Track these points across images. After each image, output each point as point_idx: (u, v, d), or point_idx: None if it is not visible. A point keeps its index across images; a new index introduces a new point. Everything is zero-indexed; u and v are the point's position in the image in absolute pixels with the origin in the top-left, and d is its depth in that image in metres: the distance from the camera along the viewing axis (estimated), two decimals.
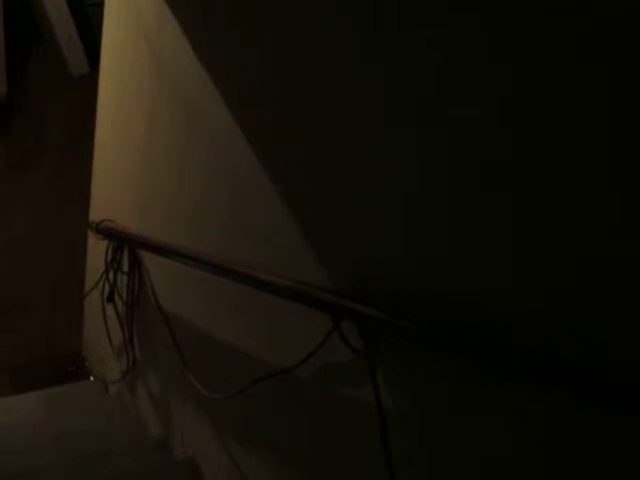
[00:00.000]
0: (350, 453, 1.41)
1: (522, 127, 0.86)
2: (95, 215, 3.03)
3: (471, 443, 1.07)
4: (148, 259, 2.46)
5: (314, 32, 1.26)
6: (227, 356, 1.94)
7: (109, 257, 2.72)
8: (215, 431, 2.18)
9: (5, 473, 2.51)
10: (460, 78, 0.93)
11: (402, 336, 1.13)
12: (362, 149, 1.17)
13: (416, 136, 1.03)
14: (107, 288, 2.81)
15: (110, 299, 2.82)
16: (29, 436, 2.82)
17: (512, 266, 0.92)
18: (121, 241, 2.59)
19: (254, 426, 1.93)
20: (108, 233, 2.66)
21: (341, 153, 1.24)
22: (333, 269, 1.33)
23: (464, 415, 1.07)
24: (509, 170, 0.89)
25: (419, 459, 1.21)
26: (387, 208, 1.14)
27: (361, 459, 1.38)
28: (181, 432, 2.49)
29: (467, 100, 0.93)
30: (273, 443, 1.81)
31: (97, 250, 2.91)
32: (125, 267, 2.64)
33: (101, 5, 2.70)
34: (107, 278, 2.80)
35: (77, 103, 4.45)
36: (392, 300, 1.17)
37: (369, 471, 1.34)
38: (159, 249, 2.17)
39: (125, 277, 2.66)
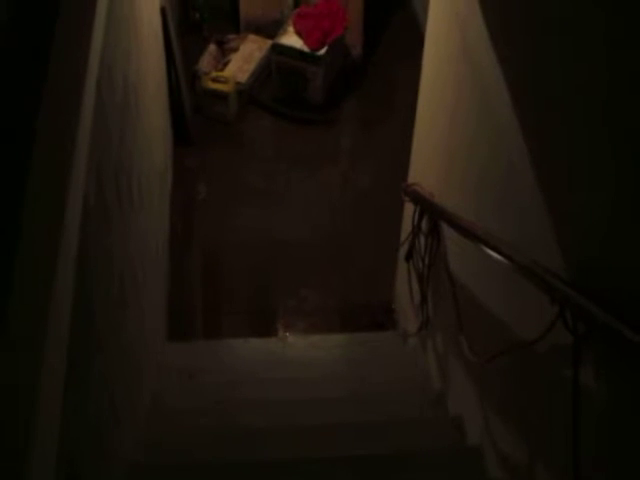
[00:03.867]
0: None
1: None
2: (411, 177, 3.23)
3: None
4: (445, 226, 2.60)
5: None
6: (487, 324, 2.05)
7: (415, 218, 2.91)
8: (477, 393, 2.30)
9: (298, 399, 2.86)
10: None
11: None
12: None
13: None
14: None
15: (408, 258, 3.02)
16: (324, 367, 3.18)
17: None
18: (423, 206, 2.77)
19: (501, 391, 2.04)
20: (414, 197, 2.84)
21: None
22: (566, 258, 1.38)
23: None
24: None
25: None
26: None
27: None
28: (454, 391, 2.63)
29: None
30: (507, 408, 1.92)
31: (409, 209, 3.10)
32: (425, 229, 2.81)
33: None
34: (412, 238, 3.00)
35: None
36: (617, 301, 1.22)
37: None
38: (449, 221, 2.33)
39: (425, 239, 2.84)
